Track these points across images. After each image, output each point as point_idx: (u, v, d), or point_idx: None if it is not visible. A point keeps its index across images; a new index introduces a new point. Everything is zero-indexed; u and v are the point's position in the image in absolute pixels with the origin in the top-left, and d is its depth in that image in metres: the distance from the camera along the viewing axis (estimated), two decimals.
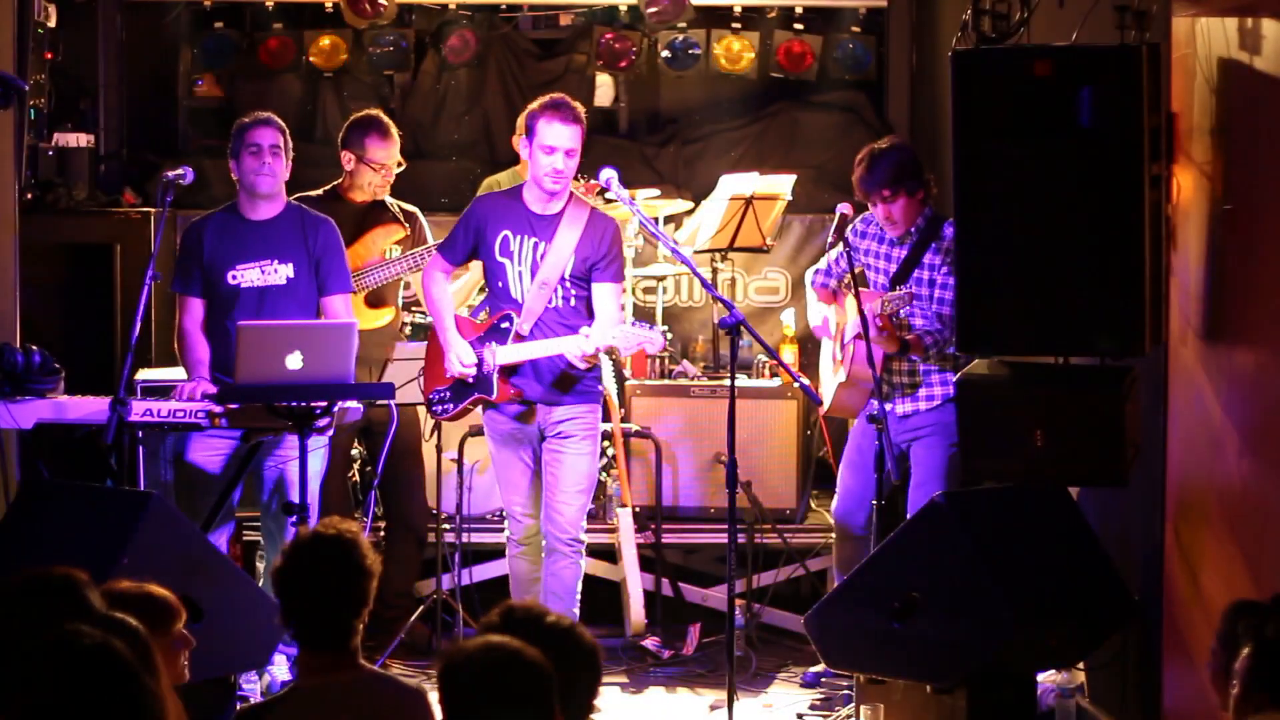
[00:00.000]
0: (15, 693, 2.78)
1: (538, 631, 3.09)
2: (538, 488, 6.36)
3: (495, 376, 6.25)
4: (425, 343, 7.10)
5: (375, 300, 7.01)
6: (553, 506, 6.30)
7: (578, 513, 6.30)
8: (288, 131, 6.44)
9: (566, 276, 6.26)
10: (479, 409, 6.43)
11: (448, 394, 6.40)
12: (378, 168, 6.98)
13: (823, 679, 6.77)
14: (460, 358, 6.28)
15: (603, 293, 6.28)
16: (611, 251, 6.28)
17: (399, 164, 7.06)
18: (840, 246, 6.35)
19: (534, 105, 6.31)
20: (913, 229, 6.47)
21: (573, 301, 6.28)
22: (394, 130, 7.06)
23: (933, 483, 6.26)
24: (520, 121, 7.94)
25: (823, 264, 6.81)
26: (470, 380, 6.30)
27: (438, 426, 7.12)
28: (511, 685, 2.84)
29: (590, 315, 6.27)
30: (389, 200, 7.14)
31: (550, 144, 6.17)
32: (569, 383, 6.30)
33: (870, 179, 6.42)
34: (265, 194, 6.34)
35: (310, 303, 6.38)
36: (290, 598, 3.72)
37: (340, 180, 7.13)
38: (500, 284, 6.32)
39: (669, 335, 8.19)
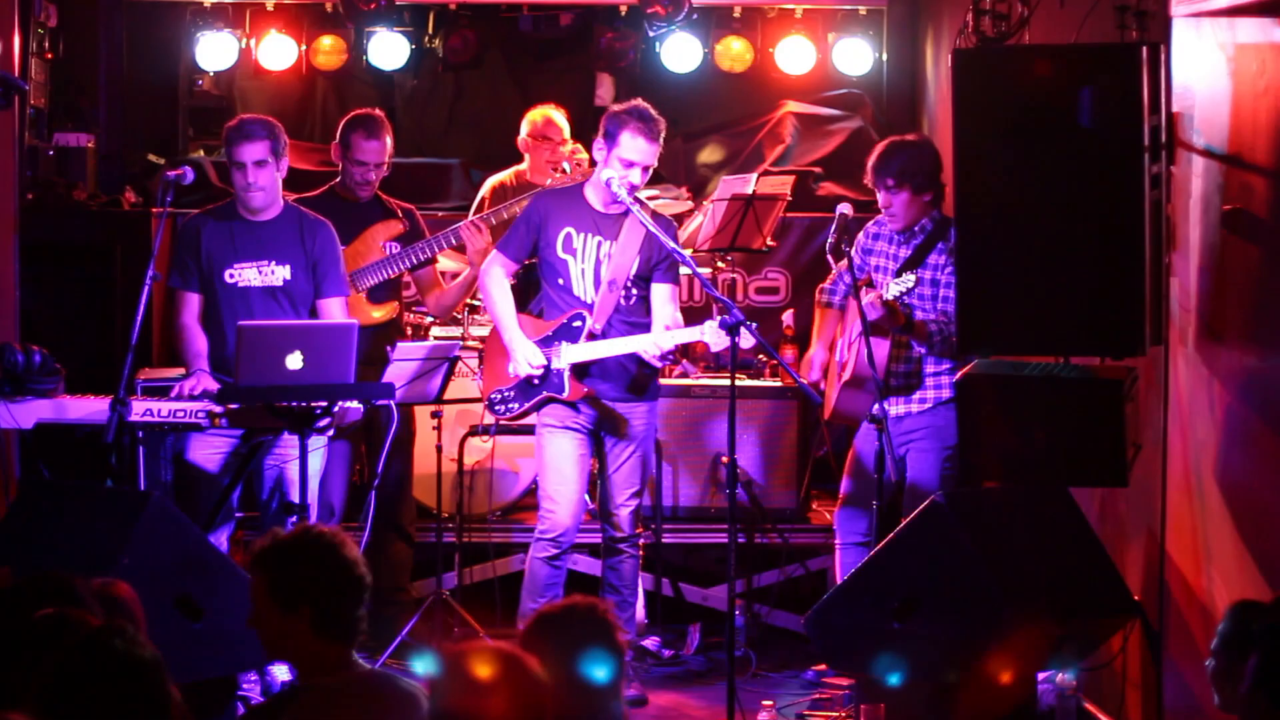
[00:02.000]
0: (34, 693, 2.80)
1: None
2: (581, 483, 6.39)
3: (567, 375, 6.28)
4: (426, 342, 7.10)
5: (377, 296, 7.02)
6: (616, 505, 6.39)
7: (634, 512, 6.42)
8: (278, 130, 6.37)
9: (631, 275, 6.31)
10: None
11: (511, 393, 6.40)
12: (360, 164, 6.99)
13: (823, 679, 6.76)
14: (529, 359, 6.28)
15: (662, 293, 6.37)
16: (673, 257, 6.30)
17: (383, 165, 7.05)
18: (843, 260, 6.38)
19: (620, 110, 6.25)
20: (918, 228, 6.46)
21: (633, 300, 6.36)
22: (384, 131, 7.05)
23: (927, 488, 6.24)
24: (527, 126, 8.00)
25: (829, 281, 6.82)
26: (536, 380, 6.31)
27: (439, 427, 7.12)
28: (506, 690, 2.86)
29: (649, 313, 6.37)
30: (385, 197, 7.15)
31: (631, 158, 6.18)
32: (634, 380, 6.37)
33: (880, 166, 6.44)
34: (255, 209, 6.33)
35: (306, 304, 6.39)
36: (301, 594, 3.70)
37: (336, 180, 7.14)
38: (560, 280, 6.34)
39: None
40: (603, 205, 6.32)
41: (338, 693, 3.66)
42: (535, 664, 2.92)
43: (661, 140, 6.25)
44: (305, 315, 6.36)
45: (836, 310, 6.77)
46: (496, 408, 6.44)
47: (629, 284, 6.33)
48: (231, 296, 6.32)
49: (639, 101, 6.30)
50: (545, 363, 6.29)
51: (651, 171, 6.30)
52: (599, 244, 6.30)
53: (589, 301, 6.32)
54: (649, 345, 6.22)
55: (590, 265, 6.31)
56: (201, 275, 6.36)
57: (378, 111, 7.20)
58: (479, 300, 7.79)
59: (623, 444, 6.38)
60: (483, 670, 2.88)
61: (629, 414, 6.38)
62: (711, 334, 6.09)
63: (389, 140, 7.08)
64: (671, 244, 6.19)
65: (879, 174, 6.43)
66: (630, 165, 6.18)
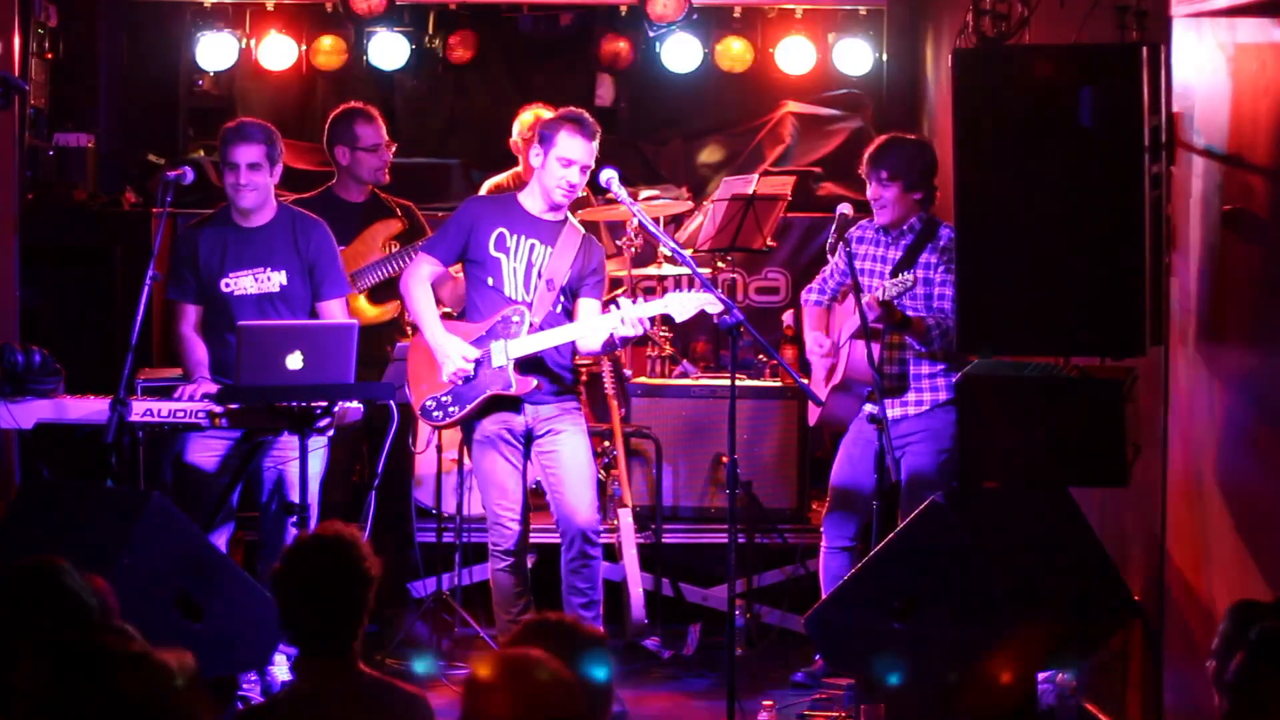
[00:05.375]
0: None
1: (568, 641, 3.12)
2: (522, 492, 6.31)
3: (512, 369, 6.19)
4: None
5: (378, 295, 7.01)
6: (568, 507, 6.26)
7: (591, 508, 6.30)
8: (276, 136, 6.36)
9: (563, 283, 6.28)
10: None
11: (448, 398, 6.28)
12: (374, 149, 6.99)
13: (822, 679, 6.76)
14: (463, 354, 6.20)
15: (591, 308, 6.34)
16: (602, 269, 6.39)
17: (391, 144, 7.08)
18: (836, 254, 6.38)
19: (553, 116, 6.35)
20: (906, 226, 6.47)
21: (560, 309, 6.31)
22: (376, 112, 7.10)
23: (924, 490, 6.23)
24: (518, 127, 8.00)
25: (815, 282, 6.82)
26: (472, 379, 6.23)
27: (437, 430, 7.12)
28: (540, 697, 2.85)
29: None
30: (383, 195, 7.14)
31: (569, 157, 6.19)
32: (557, 380, 6.32)
33: (875, 158, 6.47)
34: (246, 209, 6.33)
35: (304, 307, 6.38)
36: (289, 602, 3.69)
37: (334, 180, 7.13)
38: (490, 280, 6.28)
39: (670, 335, 8.19)
40: (539, 211, 6.30)
41: (337, 696, 3.64)
42: (564, 670, 2.91)
43: (596, 141, 6.27)
44: (305, 318, 6.35)
45: (823, 309, 6.78)
46: (433, 415, 6.31)
47: (563, 291, 6.29)
48: (228, 305, 6.31)
49: (571, 108, 6.36)
50: (478, 356, 6.19)
51: (589, 172, 6.28)
52: (532, 246, 6.26)
53: (517, 301, 6.26)
54: (614, 323, 6.12)
55: (522, 265, 6.27)
56: (199, 286, 6.36)
57: (358, 102, 7.24)
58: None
59: (561, 440, 6.28)
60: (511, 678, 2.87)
61: (553, 412, 6.30)
62: (676, 304, 6.12)
63: (382, 120, 7.13)
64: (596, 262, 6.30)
65: (873, 166, 6.47)
66: (569, 164, 6.19)
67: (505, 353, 6.20)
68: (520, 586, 6.34)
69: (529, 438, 6.32)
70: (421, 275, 6.35)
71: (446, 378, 6.24)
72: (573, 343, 6.36)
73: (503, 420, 6.29)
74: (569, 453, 6.29)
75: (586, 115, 6.31)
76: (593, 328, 6.23)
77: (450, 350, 6.22)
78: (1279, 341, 4.82)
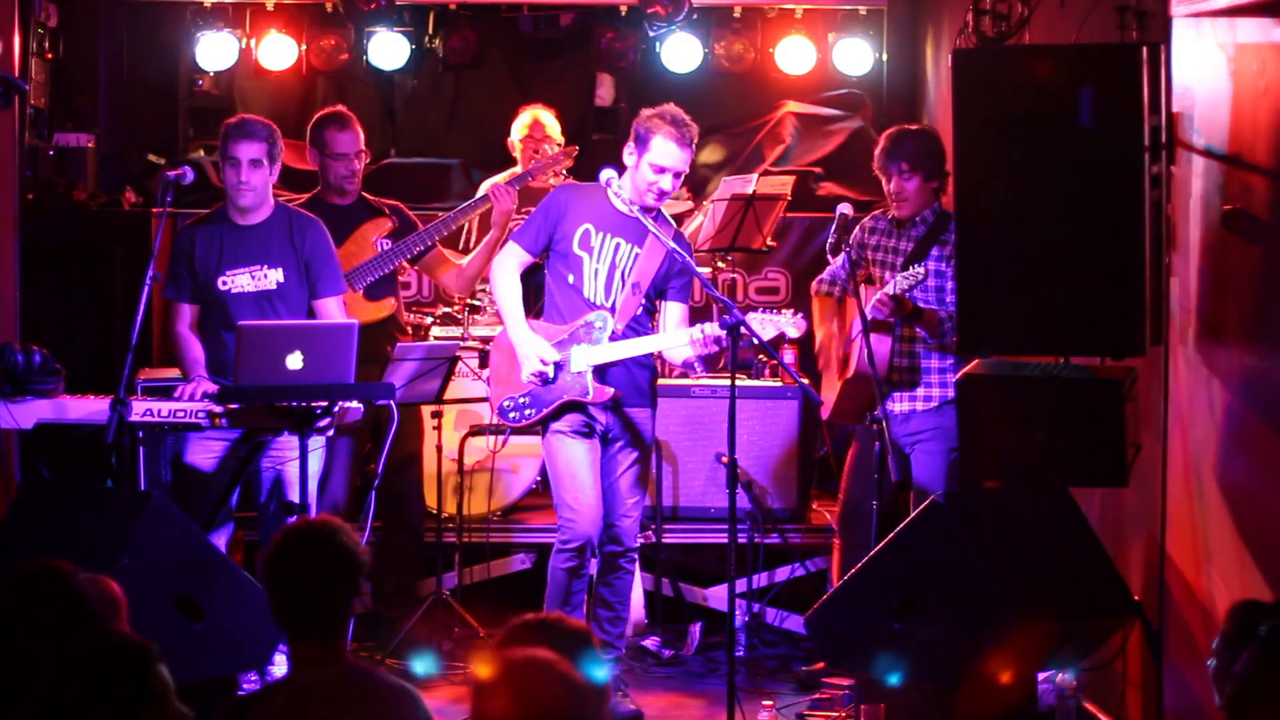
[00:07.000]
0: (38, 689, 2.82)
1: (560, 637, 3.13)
2: (598, 487, 6.15)
3: (590, 377, 6.06)
4: (427, 343, 7.09)
5: (374, 293, 7.01)
6: (618, 515, 6.17)
7: (636, 523, 6.24)
8: (277, 134, 6.33)
9: (648, 286, 6.14)
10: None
11: (525, 399, 6.14)
12: (341, 158, 6.98)
13: (822, 679, 6.75)
14: (540, 354, 6.05)
15: (676, 312, 6.22)
16: (689, 270, 6.16)
17: (363, 154, 7.05)
18: (839, 256, 6.36)
19: (652, 114, 6.09)
20: (919, 219, 6.46)
21: (643, 311, 6.18)
22: (354, 122, 7.07)
23: (934, 488, 6.25)
24: (516, 127, 7.99)
25: (826, 273, 6.79)
26: (550, 381, 6.10)
27: (439, 427, 7.13)
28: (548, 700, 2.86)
29: (654, 328, 6.23)
30: (371, 197, 7.14)
31: (662, 164, 6.01)
32: (641, 385, 6.22)
33: (894, 151, 6.42)
34: (244, 207, 6.31)
35: (301, 305, 6.35)
36: (276, 587, 3.71)
37: (320, 185, 7.12)
38: (571, 279, 6.12)
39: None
40: (627, 208, 6.10)
41: (327, 687, 3.65)
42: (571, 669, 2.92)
43: (694, 146, 6.08)
44: (302, 317, 6.34)
45: (835, 301, 6.75)
46: (509, 415, 6.18)
47: (649, 294, 6.14)
48: (225, 304, 6.29)
49: (671, 106, 6.15)
50: (557, 359, 6.07)
51: (683, 178, 6.13)
52: (617, 246, 6.10)
53: (598, 304, 6.12)
54: (697, 337, 5.96)
55: (605, 266, 6.11)
56: (195, 285, 6.34)
57: (340, 107, 7.22)
58: (479, 300, 7.78)
59: (628, 450, 6.18)
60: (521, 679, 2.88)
61: (638, 419, 6.20)
62: (757, 326, 5.89)
63: (360, 131, 7.08)
64: (674, 245, 6.12)
65: (893, 158, 6.41)
66: (662, 171, 6.01)
67: (586, 359, 6.07)
68: (577, 587, 6.15)
69: (605, 437, 6.19)
70: (510, 266, 6.18)
71: (525, 378, 6.12)
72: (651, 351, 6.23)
73: (579, 419, 6.14)
74: (636, 470, 6.19)
75: (685, 117, 6.08)
76: (676, 341, 6.08)
77: (530, 350, 6.08)
78: (1279, 341, 4.82)
